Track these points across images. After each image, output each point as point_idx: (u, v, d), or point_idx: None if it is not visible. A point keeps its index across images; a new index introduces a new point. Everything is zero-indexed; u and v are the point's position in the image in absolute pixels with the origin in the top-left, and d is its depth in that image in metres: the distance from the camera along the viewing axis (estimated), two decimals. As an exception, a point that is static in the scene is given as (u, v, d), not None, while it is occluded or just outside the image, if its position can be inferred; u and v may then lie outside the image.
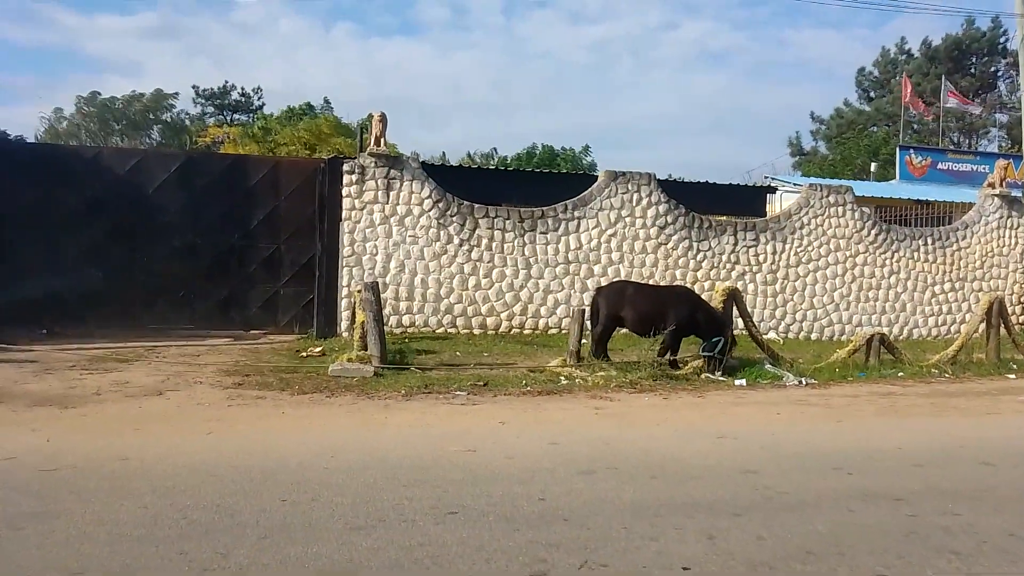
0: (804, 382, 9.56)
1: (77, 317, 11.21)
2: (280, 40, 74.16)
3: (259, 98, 45.17)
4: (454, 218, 12.50)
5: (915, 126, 38.28)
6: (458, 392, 8.02)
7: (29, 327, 10.64)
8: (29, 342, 10.10)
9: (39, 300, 11.09)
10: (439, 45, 78.78)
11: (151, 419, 6.47)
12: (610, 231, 13.20)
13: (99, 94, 39.01)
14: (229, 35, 72.26)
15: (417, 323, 12.31)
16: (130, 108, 37.82)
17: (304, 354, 10.08)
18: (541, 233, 12.92)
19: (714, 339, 9.59)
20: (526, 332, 12.70)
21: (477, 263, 12.60)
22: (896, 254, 14.73)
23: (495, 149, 40.48)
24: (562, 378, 8.92)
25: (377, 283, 9.90)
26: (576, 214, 13.10)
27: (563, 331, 12.14)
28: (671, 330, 9.62)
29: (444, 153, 38.44)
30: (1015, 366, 11.16)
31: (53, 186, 11.47)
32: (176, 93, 40.21)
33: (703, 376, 9.40)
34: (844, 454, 5.91)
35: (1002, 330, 11.56)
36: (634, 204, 13.35)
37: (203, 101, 44.41)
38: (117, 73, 72.09)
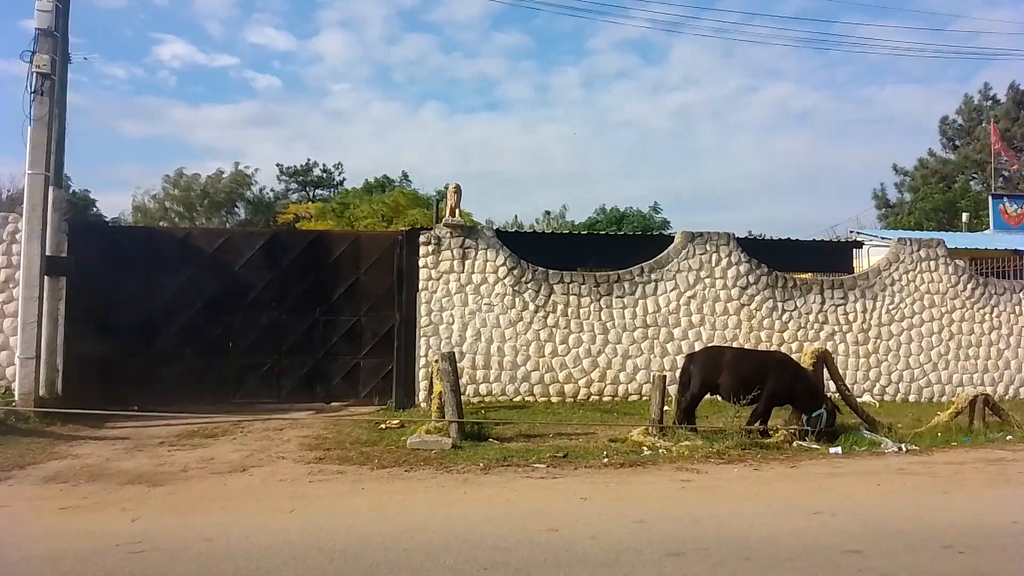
0: (904, 449, 9.02)
1: (168, 393, 11.54)
2: (371, 122, 77.76)
3: (340, 173, 46.83)
4: (529, 285, 12.49)
5: (1005, 173, 36.70)
6: (537, 464, 7.85)
7: (123, 405, 10.99)
8: (122, 419, 10.42)
9: (132, 376, 11.54)
10: (523, 120, 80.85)
11: (235, 496, 6.53)
12: (689, 293, 12.94)
13: (184, 171, 40.60)
14: (323, 120, 76.07)
15: (494, 391, 12.24)
16: (213, 186, 39.32)
17: (383, 426, 10.10)
18: (618, 297, 12.77)
19: (815, 412, 9.16)
20: (605, 399, 12.45)
21: (553, 329, 12.50)
22: (996, 308, 13.94)
23: (564, 207, 40.95)
24: (645, 448, 8.64)
25: (454, 353, 9.89)
26: (653, 276, 12.92)
27: (643, 397, 11.85)
28: (767, 397, 9.24)
29: (516, 216, 38.89)
30: None
31: (148, 267, 11.98)
32: (257, 169, 41.76)
33: (795, 444, 8.96)
34: (954, 530, 5.49)
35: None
36: (713, 265, 13.08)
37: (287, 178, 46.32)
38: (220, 160, 76.26)
